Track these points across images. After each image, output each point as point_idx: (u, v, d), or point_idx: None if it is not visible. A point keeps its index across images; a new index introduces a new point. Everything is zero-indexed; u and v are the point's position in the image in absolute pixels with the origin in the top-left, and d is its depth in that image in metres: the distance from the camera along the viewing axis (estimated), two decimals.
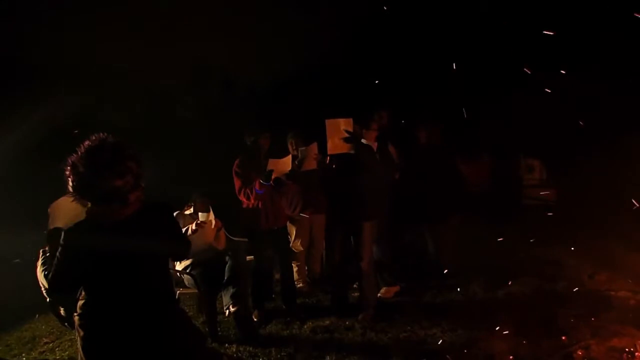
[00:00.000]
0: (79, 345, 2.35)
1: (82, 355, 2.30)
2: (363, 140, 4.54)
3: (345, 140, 4.27)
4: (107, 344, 2.28)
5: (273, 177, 4.53)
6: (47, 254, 3.72)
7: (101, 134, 2.27)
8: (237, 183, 4.68)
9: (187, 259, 4.40)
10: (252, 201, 4.61)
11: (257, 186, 4.49)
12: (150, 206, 2.39)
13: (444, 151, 5.65)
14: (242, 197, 4.65)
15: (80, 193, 2.24)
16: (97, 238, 2.22)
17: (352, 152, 4.31)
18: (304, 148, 4.80)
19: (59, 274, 2.26)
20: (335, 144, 4.29)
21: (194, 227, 4.26)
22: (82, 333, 2.31)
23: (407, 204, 5.83)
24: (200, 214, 4.34)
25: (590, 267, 5.19)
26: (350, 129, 4.28)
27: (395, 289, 5.10)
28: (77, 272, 2.25)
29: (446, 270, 5.46)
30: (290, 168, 4.63)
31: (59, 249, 2.24)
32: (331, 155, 4.46)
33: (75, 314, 2.36)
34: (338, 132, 4.27)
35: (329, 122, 4.29)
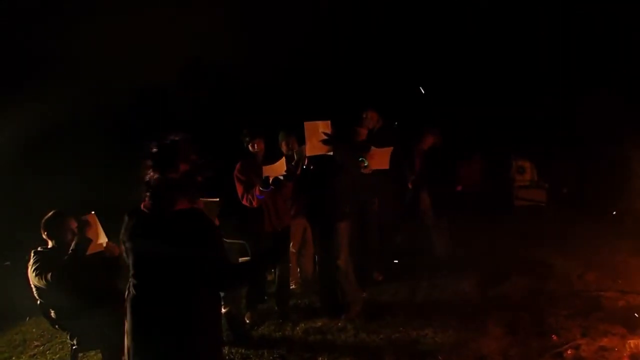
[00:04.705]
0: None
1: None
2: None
3: (324, 142, 4.33)
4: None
5: (271, 180, 4.51)
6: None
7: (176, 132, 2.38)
8: (239, 189, 4.64)
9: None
10: (255, 205, 4.59)
11: (257, 192, 4.47)
12: (191, 211, 2.33)
13: (443, 153, 5.73)
14: (244, 202, 4.61)
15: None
16: (133, 225, 2.32)
17: (330, 153, 4.37)
18: (298, 149, 4.80)
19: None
20: (314, 146, 4.34)
21: None
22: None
23: (403, 203, 5.92)
24: None
25: (580, 268, 5.24)
26: (328, 131, 4.33)
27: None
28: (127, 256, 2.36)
29: (437, 270, 5.51)
30: (285, 169, 4.58)
31: None
32: (309, 157, 4.50)
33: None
34: (316, 134, 4.32)
35: (307, 125, 4.34)
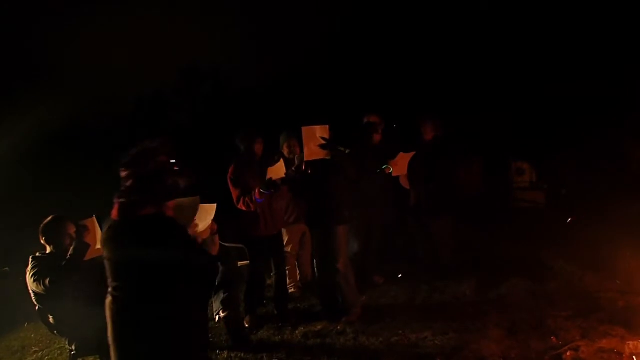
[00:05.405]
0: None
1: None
2: None
3: (321, 146, 4.32)
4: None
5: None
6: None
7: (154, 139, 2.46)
8: (234, 192, 4.58)
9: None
10: (252, 209, 4.56)
11: (257, 195, 4.43)
12: (154, 217, 2.33)
13: (444, 153, 5.70)
14: (241, 206, 4.54)
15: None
16: (105, 232, 2.36)
17: (327, 158, 4.36)
18: (299, 154, 4.79)
19: None
20: (312, 150, 4.33)
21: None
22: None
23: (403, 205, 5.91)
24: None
25: (580, 269, 5.23)
26: (326, 136, 4.32)
27: None
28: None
29: (437, 272, 5.50)
30: (284, 172, 4.57)
31: None
32: (307, 162, 4.49)
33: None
34: (314, 138, 4.32)
35: (305, 129, 4.33)
